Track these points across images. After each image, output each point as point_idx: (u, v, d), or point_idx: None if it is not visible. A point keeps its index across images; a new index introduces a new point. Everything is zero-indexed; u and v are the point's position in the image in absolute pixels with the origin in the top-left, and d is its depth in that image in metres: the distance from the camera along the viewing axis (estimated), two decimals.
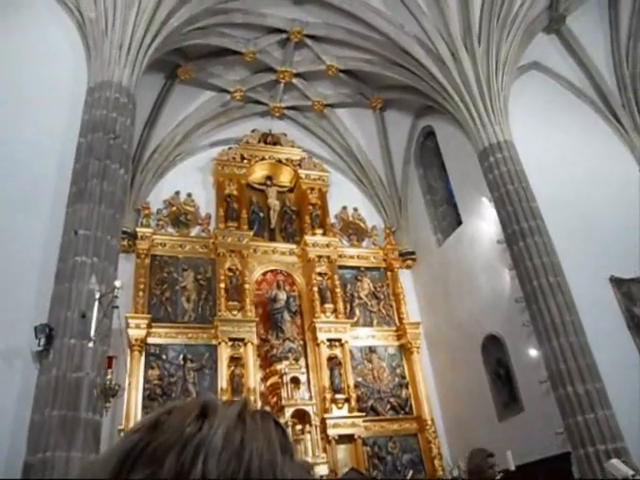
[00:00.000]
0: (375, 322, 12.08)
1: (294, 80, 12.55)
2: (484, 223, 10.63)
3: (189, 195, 12.05)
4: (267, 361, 10.80)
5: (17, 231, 6.45)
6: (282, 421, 9.30)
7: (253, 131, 13.23)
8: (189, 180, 12.26)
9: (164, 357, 10.12)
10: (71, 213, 6.65)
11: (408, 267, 13.08)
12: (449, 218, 12.35)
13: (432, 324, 12.08)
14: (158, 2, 8.63)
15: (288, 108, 13.39)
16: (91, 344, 5.49)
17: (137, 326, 9.95)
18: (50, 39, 8.25)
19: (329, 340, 10.99)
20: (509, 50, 10.54)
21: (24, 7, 8.41)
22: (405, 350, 11.75)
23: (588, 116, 11.75)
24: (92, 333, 5.42)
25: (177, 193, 11.99)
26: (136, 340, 9.85)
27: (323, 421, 10.04)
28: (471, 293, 10.94)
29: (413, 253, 13.09)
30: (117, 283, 5.51)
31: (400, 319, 12.07)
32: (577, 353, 7.93)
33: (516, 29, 10.54)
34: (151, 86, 11.25)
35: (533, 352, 8.92)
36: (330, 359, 10.86)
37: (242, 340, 10.43)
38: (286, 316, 11.24)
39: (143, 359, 9.90)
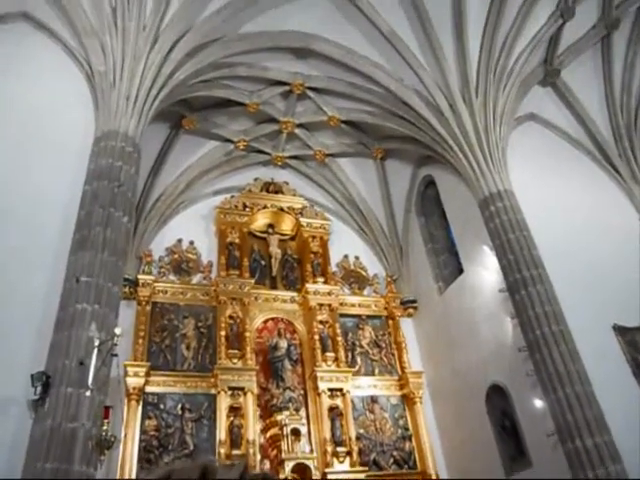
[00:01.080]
0: (377, 371, 11.90)
1: (296, 130, 12.83)
2: (486, 271, 10.62)
3: (191, 243, 12.13)
4: (267, 411, 10.58)
5: (18, 280, 6.48)
6: (282, 477, 9.08)
7: (256, 180, 13.44)
8: (192, 228, 12.37)
9: (162, 407, 9.92)
10: (73, 260, 6.67)
11: (410, 315, 13.00)
12: (450, 266, 12.35)
13: (435, 373, 11.89)
14: (165, 56, 8.93)
15: (290, 157, 13.64)
16: (88, 393, 5.40)
17: (135, 374, 9.80)
18: (60, 90, 8.53)
19: (330, 389, 10.80)
20: (506, 102, 10.82)
21: (36, 59, 8.74)
22: (408, 400, 11.52)
23: (586, 165, 11.96)
24: (90, 381, 5.34)
25: (179, 241, 12.08)
26: (134, 389, 9.69)
27: (324, 476, 9.73)
28: (474, 342, 10.82)
29: (415, 301, 13.02)
30: (117, 330, 5.47)
31: (402, 368, 11.89)
32: (584, 403, 7.78)
33: (512, 82, 10.85)
34: (156, 136, 11.51)
35: (538, 402, 8.74)
36: (331, 409, 10.65)
37: (242, 389, 10.25)
38: (287, 364, 11.10)
39: (140, 409, 9.71)
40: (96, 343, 5.42)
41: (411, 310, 13.01)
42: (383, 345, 12.28)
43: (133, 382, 9.72)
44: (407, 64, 10.70)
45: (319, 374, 10.86)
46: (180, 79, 9.46)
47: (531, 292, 8.73)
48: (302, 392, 11.04)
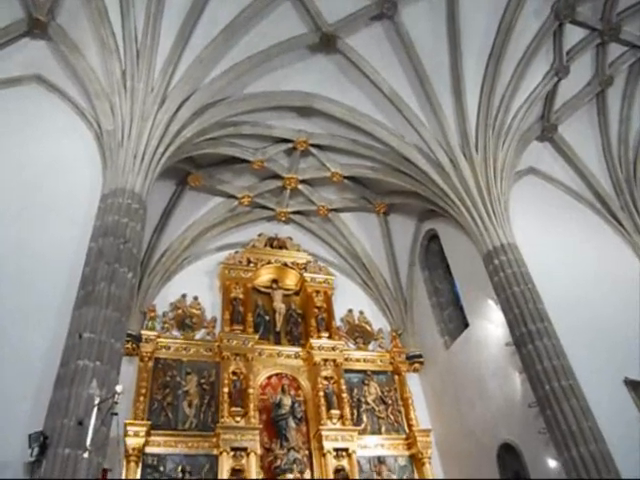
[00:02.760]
0: (383, 429, 11.58)
1: (300, 186, 13.04)
2: (491, 325, 10.50)
3: (195, 298, 12.12)
4: (270, 473, 10.24)
5: (20, 336, 6.45)
6: None
7: (260, 235, 13.55)
8: (196, 283, 12.40)
9: (162, 469, 9.62)
10: (77, 316, 6.64)
11: (416, 371, 12.78)
12: (456, 320, 12.22)
13: (443, 431, 11.56)
14: (172, 116, 9.21)
15: (294, 213, 13.80)
16: (86, 454, 5.25)
17: (136, 434, 9.56)
18: (69, 149, 8.76)
19: (336, 450, 10.47)
20: (506, 157, 11.03)
21: (48, 119, 9.03)
22: (416, 461, 11.14)
23: (588, 218, 12.04)
24: (88, 442, 5.20)
25: (184, 296, 12.08)
26: (133, 449, 9.42)
27: None
28: (482, 398, 10.57)
29: (420, 356, 12.84)
30: (118, 388, 5.36)
31: (410, 426, 11.57)
32: (599, 463, 7.49)
33: (511, 138, 11.10)
34: (162, 192, 11.73)
35: (552, 463, 8.42)
36: (337, 471, 10.29)
37: (245, 449, 9.96)
38: (291, 423, 10.83)
39: (139, 471, 9.40)
40: (96, 401, 5.32)
41: (417, 365, 12.80)
42: (389, 402, 12.01)
43: (133, 442, 9.47)
44: (408, 122, 10.99)
45: (324, 433, 10.56)
46: (186, 137, 9.71)
47: (538, 346, 8.58)
48: (307, 452, 10.72)
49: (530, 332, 8.80)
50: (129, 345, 10.27)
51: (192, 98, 9.54)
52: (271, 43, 10.03)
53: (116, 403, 5.23)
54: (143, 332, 10.91)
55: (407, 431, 11.55)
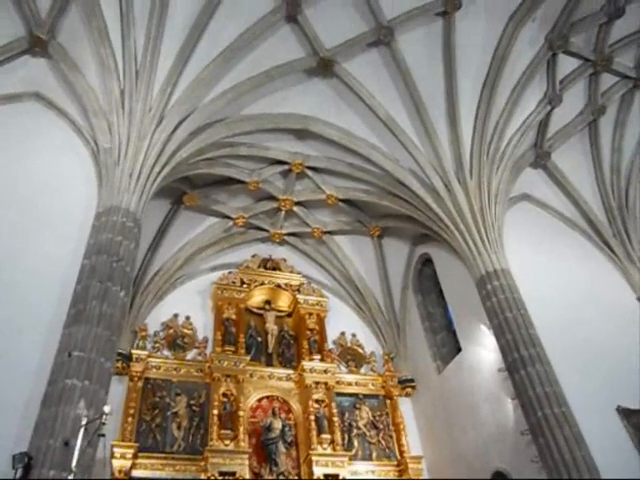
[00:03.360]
0: (374, 455, 11.44)
1: (295, 208, 13.07)
2: (484, 350, 10.47)
3: (187, 318, 12.04)
4: None
5: (9, 354, 6.37)
6: None
7: (254, 256, 13.53)
8: (188, 303, 12.32)
9: None
10: (67, 335, 6.57)
11: (408, 395, 12.69)
12: (448, 345, 12.18)
13: (435, 458, 11.43)
14: (169, 135, 9.26)
15: (288, 234, 13.81)
16: (71, 476, 5.13)
17: (122, 456, 9.39)
18: (66, 166, 8.79)
19: (326, 476, 10.29)
20: (499, 183, 11.13)
21: (45, 136, 9.08)
22: None
23: (581, 244, 12.12)
24: (74, 464, 5.09)
25: (176, 316, 11.99)
26: (120, 472, 9.25)
27: None
28: (474, 424, 10.49)
29: (412, 380, 12.76)
30: (106, 409, 5.27)
31: (401, 452, 11.44)
32: None
33: (505, 164, 11.22)
34: (157, 211, 11.73)
35: None
36: None
37: (233, 474, 9.78)
38: (281, 447, 10.69)
39: None
40: (83, 422, 5.23)
41: (409, 389, 12.72)
42: (381, 426, 11.89)
43: (119, 464, 9.29)
44: (403, 146, 11.09)
45: (314, 458, 10.41)
46: (183, 157, 9.75)
47: (530, 372, 8.53)
48: (296, 478, 10.54)
49: (522, 358, 8.76)
50: (119, 364, 10.16)
51: (190, 118, 9.60)
52: (269, 66, 10.17)
53: (104, 424, 5.13)
54: (133, 351, 10.79)
55: (398, 457, 11.41)
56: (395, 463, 11.34)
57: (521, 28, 10.22)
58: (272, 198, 12.86)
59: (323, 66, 10.36)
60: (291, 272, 13.58)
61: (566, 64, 11.08)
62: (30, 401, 6.05)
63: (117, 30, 9.01)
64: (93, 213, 8.09)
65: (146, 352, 10.93)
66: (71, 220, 8.05)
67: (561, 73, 11.15)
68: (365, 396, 12.28)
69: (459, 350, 11.47)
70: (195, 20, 9.24)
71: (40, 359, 6.45)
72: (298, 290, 13.27)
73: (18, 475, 5.33)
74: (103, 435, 5.32)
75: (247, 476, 9.92)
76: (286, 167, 12.10)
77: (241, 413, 10.62)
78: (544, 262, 10.93)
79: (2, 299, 6.82)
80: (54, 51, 9.34)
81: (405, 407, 12.44)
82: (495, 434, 9.84)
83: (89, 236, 7.74)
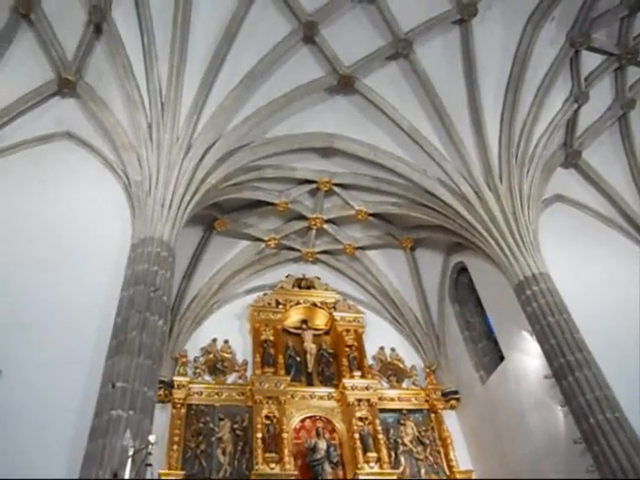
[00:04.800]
0: (423, 472, 11.19)
1: (325, 226, 13.09)
2: (528, 358, 10.20)
3: (226, 342, 12.12)
4: None
5: (54, 389, 6.50)
6: None
7: (287, 276, 13.58)
8: (226, 327, 12.42)
9: None
10: (110, 366, 6.67)
11: (452, 408, 12.43)
12: (490, 354, 11.92)
13: (486, 472, 11.10)
14: (197, 163, 9.43)
15: (320, 253, 13.83)
16: None
17: None
18: (99, 200, 8.99)
19: None
20: (531, 186, 10.94)
21: (78, 173, 9.33)
22: None
23: (620, 242, 11.78)
24: None
25: (214, 340, 12.09)
26: None
27: None
28: (524, 434, 10.18)
29: (456, 392, 12.50)
30: (151, 438, 5.30)
31: (450, 467, 11.18)
32: None
33: (535, 166, 11.03)
34: (190, 239, 11.91)
35: None
36: None
37: None
38: (327, 468, 10.56)
39: None
40: (130, 452, 5.27)
41: (454, 402, 12.46)
42: (427, 442, 11.66)
43: None
44: (429, 156, 11.03)
45: (362, 477, 10.26)
46: (212, 184, 9.89)
47: (579, 377, 8.25)
48: None
49: (569, 363, 8.49)
50: (161, 392, 10.25)
51: (216, 145, 9.77)
52: (291, 88, 10.29)
53: (150, 453, 5.17)
54: (175, 378, 10.90)
55: (448, 473, 11.15)
56: (445, 479, 11.09)
57: (540, 29, 10.10)
58: (302, 217, 12.92)
59: (344, 83, 10.42)
60: (326, 290, 13.56)
61: (590, 60, 10.88)
62: (78, 433, 6.14)
63: (141, 65, 9.29)
64: (128, 245, 8.24)
65: (187, 378, 11.04)
66: (108, 253, 8.22)
67: (585, 70, 10.95)
68: (409, 411, 12.09)
69: (502, 359, 11.21)
70: (215, 50, 9.44)
71: (85, 392, 6.56)
72: (334, 307, 13.23)
73: None
74: (150, 465, 5.36)
75: None
76: (313, 186, 12.15)
77: (285, 435, 10.57)
78: (583, 263, 10.64)
79: (45, 335, 6.99)
80: (82, 91, 9.68)
81: (450, 420, 12.18)
82: (546, 444, 9.53)
83: (126, 268, 7.88)
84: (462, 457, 11.52)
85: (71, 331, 7.11)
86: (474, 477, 11.10)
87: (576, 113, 11.45)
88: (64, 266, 7.85)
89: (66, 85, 9.58)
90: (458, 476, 10.92)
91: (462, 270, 13.07)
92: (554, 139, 11.44)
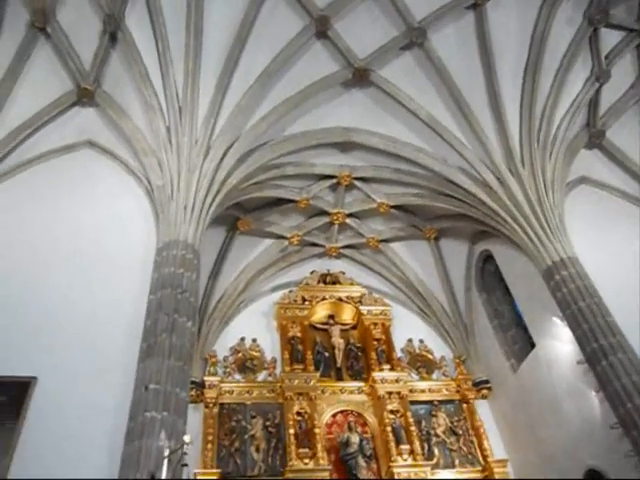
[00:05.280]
0: (457, 462, 11.14)
1: (347, 220, 13.07)
2: (559, 344, 10.05)
3: (254, 340, 12.20)
4: None
5: (89, 394, 6.62)
6: None
7: (312, 273, 13.61)
8: (253, 325, 12.52)
9: None
10: (142, 369, 6.77)
11: (484, 397, 12.33)
12: (520, 341, 11.77)
13: (521, 460, 11.01)
14: (217, 165, 9.49)
15: (344, 247, 13.81)
16: None
17: None
18: (123, 206, 9.11)
19: None
20: (554, 169, 10.75)
21: (101, 180, 9.46)
22: None
23: None
24: None
25: (242, 339, 12.19)
26: None
27: None
28: (558, 421, 10.05)
29: (487, 382, 12.40)
30: (186, 438, 5.35)
31: (484, 457, 11.10)
32: None
33: (557, 149, 10.83)
34: (214, 240, 12.00)
35: None
36: None
37: None
38: (361, 461, 10.57)
39: None
40: (166, 453, 5.34)
41: (485, 391, 12.36)
42: (460, 432, 11.59)
43: None
44: (449, 145, 10.91)
45: (396, 470, 10.27)
46: (232, 184, 9.95)
47: (613, 362, 8.10)
48: None
49: (602, 347, 8.35)
50: (193, 393, 10.36)
51: (235, 145, 9.82)
52: (306, 84, 10.29)
53: (185, 454, 5.23)
54: (206, 378, 11.03)
55: (482, 462, 11.07)
56: (480, 469, 11.01)
57: (556, 9, 9.92)
58: (324, 213, 12.92)
59: (359, 76, 10.37)
60: (351, 284, 13.56)
61: (609, 38, 10.62)
62: (114, 437, 6.24)
63: (157, 71, 9.39)
64: (154, 249, 8.34)
65: (218, 378, 11.15)
66: (134, 258, 8.32)
67: (605, 48, 10.69)
68: (440, 402, 12.04)
69: (532, 346, 11.06)
70: (229, 51, 9.49)
71: (119, 395, 6.66)
72: (360, 301, 13.22)
73: None
74: (186, 465, 5.42)
75: None
76: (334, 181, 12.14)
77: (317, 430, 10.62)
78: (612, 244, 10.41)
79: (78, 341, 7.12)
80: (101, 99, 9.82)
81: (483, 409, 12.10)
82: (582, 430, 9.39)
83: (152, 271, 7.97)
84: (496, 446, 11.43)
85: (103, 336, 7.24)
86: (509, 466, 10.98)
87: (598, 92, 11.20)
88: (93, 272, 7.98)
89: (85, 94, 9.73)
90: (493, 465, 10.82)
91: (488, 258, 12.92)
92: (576, 120, 11.21)
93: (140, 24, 9.23)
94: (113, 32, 9.27)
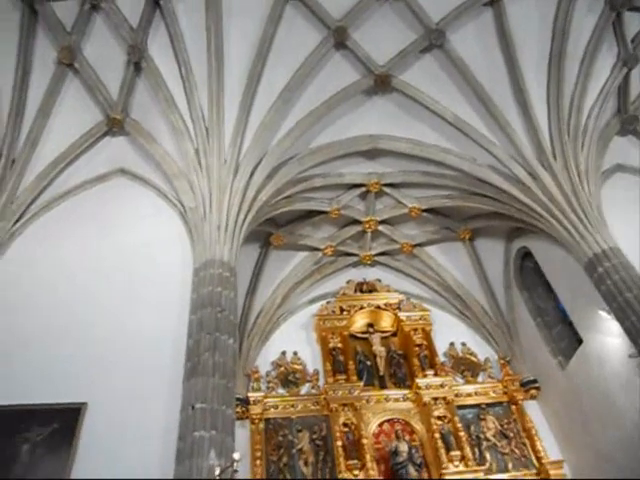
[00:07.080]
0: (510, 466, 10.87)
1: (380, 227, 13.02)
2: (608, 338, 9.75)
3: (295, 353, 12.22)
4: None
5: (137, 417, 6.71)
6: None
7: (348, 282, 13.59)
8: (293, 339, 12.55)
9: None
10: (187, 389, 6.85)
11: (533, 397, 12.03)
12: (567, 338, 11.47)
13: (578, 461, 10.67)
14: (247, 182, 9.60)
15: (378, 254, 13.75)
16: None
17: None
18: (158, 230, 9.25)
19: None
20: (587, 159, 10.51)
21: (134, 206, 9.65)
22: None
23: None
24: None
25: (283, 353, 12.22)
26: None
27: None
28: (614, 418, 9.72)
29: (535, 381, 12.09)
30: (236, 455, 5.38)
31: (538, 459, 10.80)
32: None
33: (589, 139, 10.60)
34: (249, 256, 12.13)
35: None
36: None
37: None
38: (411, 470, 10.41)
39: None
40: (217, 472, 5.38)
41: (533, 391, 12.06)
42: (511, 435, 11.33)
43: None
44: (477, 144, 10.77)
45: (448, 477, 10.08)
46: (263, 200, 10.04)
47: None
48: None
49: None
50: (239, 409, 10.39)
51: (263, 162, 9.91)
52: (328, 95, 10.33)
53: (236, 471, 5.26)
54: (250, 394, 11.08)
55: (537, 465, 10.77)
56: (534, 472, 10.72)
57: None
58: (356, 222, 12.91)
59: (380, 83, 10.37)
60: (388, 291, 13.47)
61: (634, 21, 10.39)
62: (164, 458, 6.30)
63: (182, 95, 9.59)
64: (191, 269, 8.45)
65: (262, 393, 11.19)
66: (173, 280, 8.44)
67: (631, 32, 10.46)
68: (488, 405, 11.80)
69: (580, 342, 10.76)
70: (250, 69, 9.62)
71: (166, 416, 6.74)
72: (398, 308, 13.11)
73: None
74: None
75: None
76: (363, 189, 12.13)
77: (364, 441, 10.53)
78: None
79: (123, 366, 7.23)
80: (130, 127, 10.08)
81: (532, 410, 11.80)
82: (639, 425, 9.07)
83: (191, 292, 8.08)
84: (550, 447, 11.12)
85: (147, 359, 7.34)
86: (565, 467, 10.66)
87: (626, 77, 10.95)
88: (135, 297, 8.13)
89: (115, 124, 10.00)
90: (548, 467, 10.53)
91: (526, 255, 12.66)
92: (606, 108, 10.96)
93: (162, 51, 9.48)
94: (137, 62, 9.53)
